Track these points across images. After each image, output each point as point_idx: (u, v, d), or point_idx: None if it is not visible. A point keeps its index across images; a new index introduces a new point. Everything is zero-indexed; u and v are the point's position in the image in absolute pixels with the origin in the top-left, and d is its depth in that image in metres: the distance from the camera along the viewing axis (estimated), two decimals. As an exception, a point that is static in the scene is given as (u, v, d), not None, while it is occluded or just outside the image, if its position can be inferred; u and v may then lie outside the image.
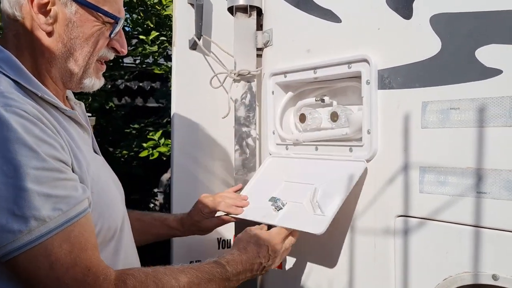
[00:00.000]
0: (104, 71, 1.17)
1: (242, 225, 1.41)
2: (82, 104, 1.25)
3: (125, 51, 1.17)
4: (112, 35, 1.10)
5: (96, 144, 1.21)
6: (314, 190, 1.28)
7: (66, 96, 1.19)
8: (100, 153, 1.22)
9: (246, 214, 1.41)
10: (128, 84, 5.69)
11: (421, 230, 1.14)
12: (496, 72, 1.01)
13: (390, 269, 1.21)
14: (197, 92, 1.75)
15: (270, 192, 1.39)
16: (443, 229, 1.10)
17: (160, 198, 5.02)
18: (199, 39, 1.69)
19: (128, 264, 1.11)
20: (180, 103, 1.74)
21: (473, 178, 1.04)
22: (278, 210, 1.32)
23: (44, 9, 1.01)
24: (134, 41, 4.15)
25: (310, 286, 1.44)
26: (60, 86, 1.11)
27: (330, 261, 1.36)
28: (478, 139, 1.03)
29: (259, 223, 1.31)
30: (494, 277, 1.01)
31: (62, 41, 1.06)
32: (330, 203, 1.23)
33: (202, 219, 1.47)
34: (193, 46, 1.73)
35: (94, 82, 1.14)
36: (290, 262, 1.50)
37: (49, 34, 1.05)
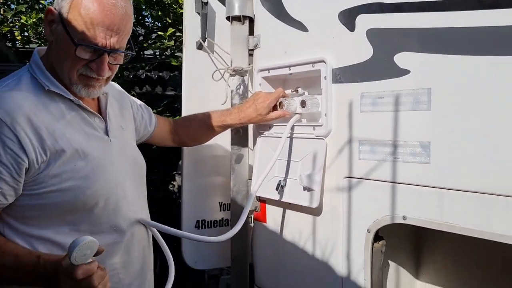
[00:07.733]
0: (91, 83, 1.29)
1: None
2: (108, 95, 1.43)
3: (98, 75, 1.27)
4: (77, 54, 1.21)
5: (114, 128, 1.42)
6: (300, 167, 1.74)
7: None
8: (118, 136, 1.42)
9: (269, 193, 1.83)
10: (148, 74, 6.13)
11: (359, 187, 1.56)
12: (406, 72, 1.41)
13: (340, 218, 1.63)
14: (202, 84, 2.16)
15: (273, 171, 1.80)
16: (373, 185, 1.51)
17: (178, 180, 5.44)
18: (204, 41, 2.11)
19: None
20: (188, 94, 2.17)
21: (390, 147, 1.45)
22: (283, 188, 1.78)
23: (51, 23, 1.25)
24: (154, 35, 4.60)
25: (287, 235, 1.86)
26: None
27: (301, 214, 1.79)
28: (394, 120, 1.44)
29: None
30: (404, 217, 1.42)
31: (56, 52, 1.27)
32: (314, 178, 1.66)
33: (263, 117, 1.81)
34: (199, 46, 2.14)
35: (81, 90, 1.29)
36: (271, 217, 1.92)
37: (51, 43, 1.29)
